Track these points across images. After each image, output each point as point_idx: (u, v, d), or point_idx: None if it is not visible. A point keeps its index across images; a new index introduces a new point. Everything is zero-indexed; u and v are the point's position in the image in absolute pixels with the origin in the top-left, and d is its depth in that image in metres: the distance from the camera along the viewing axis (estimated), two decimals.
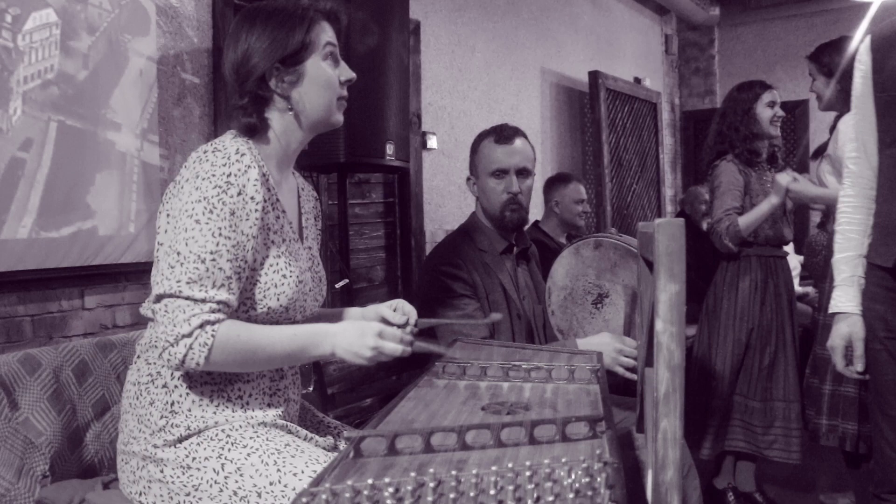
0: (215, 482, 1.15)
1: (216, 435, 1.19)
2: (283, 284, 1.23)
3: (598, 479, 0.78)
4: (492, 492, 0.75)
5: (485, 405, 1.12)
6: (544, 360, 1.34)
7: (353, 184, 3.16)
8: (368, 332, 1.21)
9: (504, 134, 2.00)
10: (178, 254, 1.14)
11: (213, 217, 1.15)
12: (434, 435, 0.91)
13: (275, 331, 1.19)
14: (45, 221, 1.91)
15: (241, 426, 1.21)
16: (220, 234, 1.15)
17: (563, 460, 0.80)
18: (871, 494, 1.61)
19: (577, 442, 0.93)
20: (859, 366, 1.59)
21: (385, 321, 1.33)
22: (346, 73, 1.29)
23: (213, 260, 1.14)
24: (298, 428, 1.28)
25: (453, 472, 0.78)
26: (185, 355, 1.11)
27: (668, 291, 0.89)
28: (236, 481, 1.14)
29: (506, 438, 0.92)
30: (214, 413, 1.21)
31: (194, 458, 1.17)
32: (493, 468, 0.78)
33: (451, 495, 0.74)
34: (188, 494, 1.16)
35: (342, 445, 1.33)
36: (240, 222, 1.17)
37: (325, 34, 1.26)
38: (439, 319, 1.50)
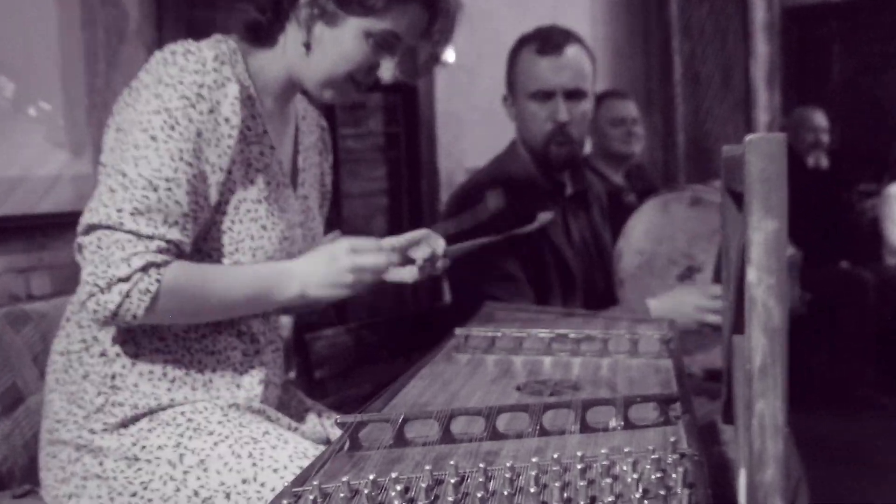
0: (171, 478, 1.16)
1: (173, 418, 1.20)
2: (261, 238, 1.24)
3: (674, 476, 0.77)
4: (532, 489, 0.74)
5: (521, 384, 1.11)
6: (599, 329, 1.33)
7: (344, 108, 3.13)
8: (339, 252, 1.23)
9: (550, 41, 1.96)
10: (124, 175, 1.14)
11: (175, 136, 1.15)
12: (455, 420, 0.90)
13: (231, 272, 1.22)
14: None
15: (206, 407, 1.21)
16: (181, 159, 1.15)
17: (627, 450, 0.78)
18: None
19: (645, 429, 0.91)
20: None
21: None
22: (381, 72, 1.28)
23: (169, 189, 1.14)
24: (280, 415, 1.28)
25: (481, 465, 0.77)
26: (120, 305, 1.12)
27: (764, 230, 0.86)
28: (198, 478, 1.14)
29: (550, 424, 0.91)
30: (169, 389, 1.22)
31: (144, 448, 1.18)
32: (534, 460, 0.77)
33: (479, 494, 0.73)
34: (134, 495, 1.17)
35: (336, 435, 1.34)
36: (207, 148, 1.18)
37: (402, 20, 1.24)
38: (473, 242, 1.49)
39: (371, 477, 0.75)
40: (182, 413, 1.21)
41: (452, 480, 0.74)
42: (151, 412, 1.21)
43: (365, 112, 3.25)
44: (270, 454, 1.15)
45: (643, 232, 1.90)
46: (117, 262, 1.11)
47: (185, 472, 1.15)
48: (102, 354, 1.23)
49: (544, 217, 1.48)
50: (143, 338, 1.23)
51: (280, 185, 1.29)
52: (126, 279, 1.11)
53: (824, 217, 3.91)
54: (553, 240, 1.95)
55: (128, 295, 1.11)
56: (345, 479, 0.75)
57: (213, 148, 1.18)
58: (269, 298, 1.24)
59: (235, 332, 1.27)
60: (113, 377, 1.22)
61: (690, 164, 4.69)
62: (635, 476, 0.75)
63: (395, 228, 3.43)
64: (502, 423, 0.91)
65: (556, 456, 0.77)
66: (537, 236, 1.92)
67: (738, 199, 1.04)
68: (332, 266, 1.23)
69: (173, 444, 1.17)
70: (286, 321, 2.55)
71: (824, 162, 4.44)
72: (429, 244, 1.34)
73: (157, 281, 1.13)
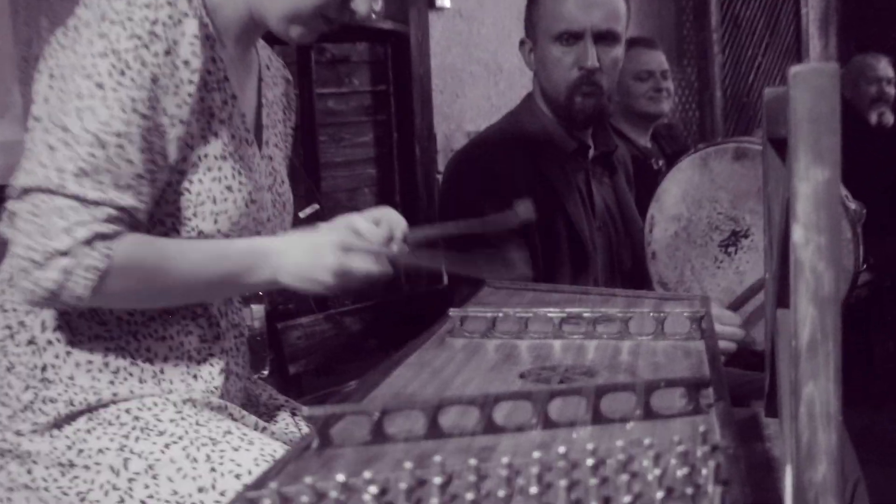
0: (113, 488, 1.14)
1: (117, 416, 1.19)
2: (225, 201, 1.22)
3: (704, 472, 0.74)
4: (533, 489, 0.71)
5: (525, 371, 1.09)
6: (619, 308, 1.30)
7: (322, 63, 3.11)
8: (327, 246, 1.21)
9: None
10: (66, 130, 1.12)
11: (125, 82, 1.13)
12: (444, 411, 0.88)
13: (196, 248, 1.19)
14: None
15: (156, 403, 1.20)
16: (134, 110, 1.13)
17: (647, 443, 0.76)
18: None
19: (670, 419, 0.89)
20: None
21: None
22: (354, 5, 1.27)
23: (120, 146, 1.12)
24: (245, 413, 1.27)
25: (472, 462, 0.74)
26: (60, 284, 1.09)
27: (813, 179, 0.84)
28: (146, 486, 1.13)
29: (557, 415, 0.89)
30: (112, 382, 1.20)
31: (81, 452, 1.17)
32: (536, 455, 0.74)
33: (469, 496, 0.71)
34: None
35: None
36: (164, 96, 1.16)
37: None
38: (442, 229, 1.47)
39: (340, 478, 0.72)
40: (127, 410, 1.19)
41: (437, 481, 0.72)
42: (90, 409, 1.19)
43: (348, 67, 3.22)
44: (232, 457, 1.13)
45: (679, 195, 1.87)
46: (57, 232, 1.09)
47: (131, 480, 1.14)
48: (30, 343, 1.21)
49: (525, 210, 1.44)
50: (79, 322, 1.20)
51: (243, 141, 1.27)
52: (67, 253, 1.09)
53: (888, 181, 3.87)
54: (567, 210, 1.92)
55: (69, 272, 1.09)
56: (309, 480, 0.72)
57: (171, 96, 1.16)
58: (238, 281, 1.22)
59: (190, 314, 1.26)
60: (43, 369, 1.20)
61: (730, 124, 4.66)
62: (657, 472, 0.73)
63: (385, 200, 3.41)
64: (500, 413, 0.88)
65: (562, 451, 0.75)
66: (552, 205, 1.90)
67: (782, 148, 1.01)
68: (314, 260, 1.21)
69: (116, 446, 1.16)
70: (258, 310, 2.54)
71: (889, 118, 4.40)
72: (388, 224, 1.32)
73: (107, 256, 1.10)
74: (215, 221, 1.21)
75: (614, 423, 0.88)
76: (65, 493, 1.15)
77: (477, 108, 3.59)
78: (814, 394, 0.85)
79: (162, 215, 1.20)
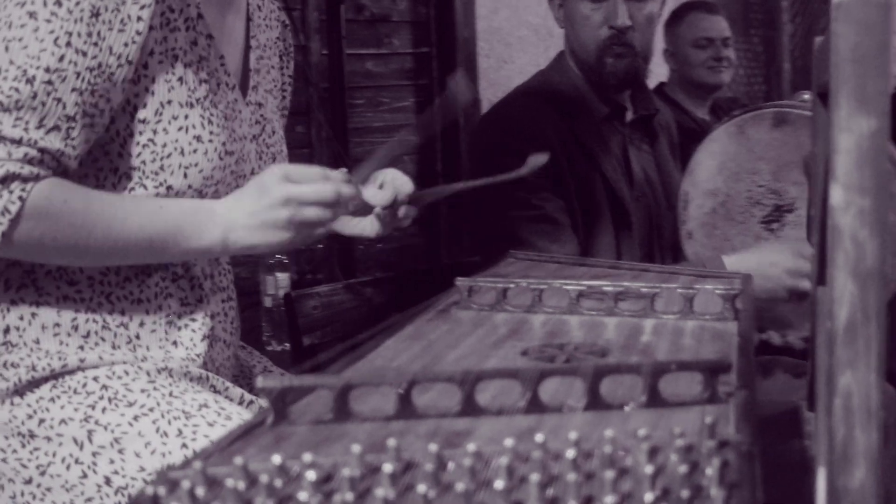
0: (76, 462, 1.08)
1: (83, 384, 1.12)
2: (195, 152, 1.14)
3: (708, 471, 0.64)
4: (500, 484, 0.61)
5: (529, 348, 0.99)
6: (647, 283, 1.20)
7: (360, 22, 3.03)
8: (269, 181, 1.11)
9: None
10: None
11: (61, 13, 1.05)
12: (420, 388, 0.78)
13: (127, 202, 1.11)
14: None
15: (126, 372, 1.13)
16: (69, 45, 1.05)
17: (642, 434, 0.66)
18: None
19: (681, 407, 0.79)
20: None
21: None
22: None
23: (49, 83, 1.05)
24: (229, 384, 1.20)
25: (433, 449, 0.65)
26: None
27: (856, 130, 0.74)
28: (111, 461, 1.07)
29: (549, 397, 0.79)
30: (81, 348, 1.14)
31: (42, 422, 1.10)
32: (510, 444, 0.64)
33: (423, 489, 0.61)
34: (29, 482, 1.09)
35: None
36: (108, 33, 1.08)
37: None
38: (446, 187, 1.39)
39: (276, 460, 0.63)
40: (95, 378, 1.12)
41: (388, 469, 0.63)
42: (55, 376, 1.13)
43: (388, 28, 3.15)
44: (206, 433, 1.07)
45: (714, 167, 1.77)
46: None
47: (95, 454, 1.07)
48: None
49: (536, 160, 1.35)
50: (46, 281, 1.14)
51: (222, 85, 1.19)
52: None
53: None
54: (607, 175, 1.83)
55: None
56: (239, 460, 0.63)
57: (115, 33, 1.08)
58: (177, 243, 1.12)
59: (170, 275, 1.19)
60: (6, 331, 1.13)
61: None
62: (650, 470, 0.63)
63: (426, 170, 3.33)
64: (485, 393, 0.79)
65: (540, 439, 0.65)
66: (587, 168, 1.82)
67: (824, 98, 0.91)
68: (259, 199, 1.11)
69: (81, 417, 1.09)
70: (283, 278, 2.47)
71: None
72: (392, 186, 1.23)
73: (20, 199, 1.03)
74: (185, 175, 1.13)
75: (613, 410, 0.78)
76: (24, 466, 1.09)
77: (525, 75, 3.45)
78: (851, 385, 0.75)
79: (127, 169, 1.12)
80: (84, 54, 1.06)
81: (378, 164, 1.27)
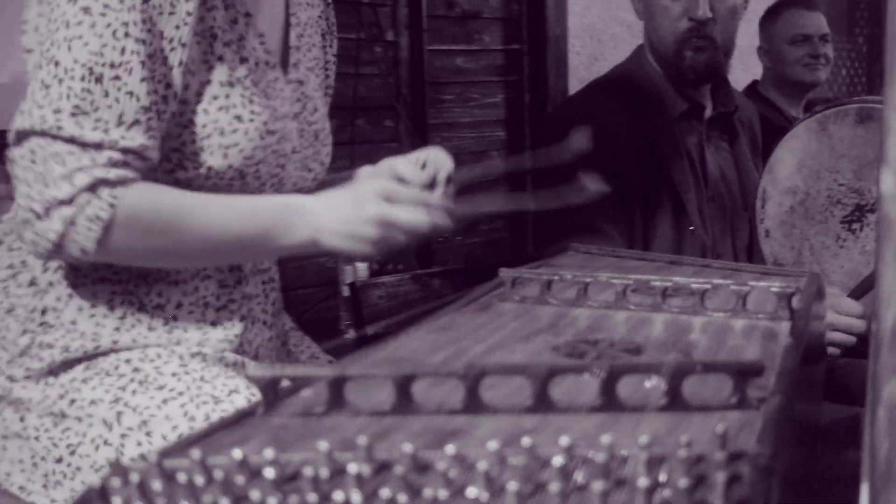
0: (105, 443, 1.03)
1: (115, 366, 1.07)
2: (235, 132, 1.09)
3: (717, 486, 0.55)
4: (472, 492, 0.53)
5: (561, 343, 0.90)
6: (699, 279, 1.10)
7: (451, 18, 2.95)
8: (367, 196, 1.06)
9: None
10: (57, 64, 1.00)
11: (114, 4, 1.00)
12: (420, 382, 0.70)
13: (219, 203, 1.06)
14: None
15: (159, 355, 1.08)
16: (128, 36, 1.00)
17: (643, 442, 0.56)
18: None
19: (705, 413, 0.69)
20: None
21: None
22: None
23: (117, 77, 1.00)
24: None
25: (407, 451, 0.57)
26: (64, 235, 0.98)
27: None
28: (139, 444, 1.02)
29: (560, 396, 0.70)
30: (117, 329, 1.09)
31: (73, 402, 1.06)
32: (493, 447, 0.56)
33: (388, 494, 0.54)
34: (59, 461, 1.05)
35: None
36: (160, 17, 1.03)
37: None
38: (487, 169, 1.32)
39: (237, 455, 0.56)
40: (127, 361, 1.07)
41: (353, 469, 0.55)
42: (88, 357, 1.08)
43: (479, 24, 3.06)
44: None
45: (794, 165, 1.63)
46: (56, 179, 0.98)
47: (123, 436, 1.02)
48: (32, 283, 1.10)
49: (592, 184, 1.24)
50: (83, 263, 1.09)
51: (261, 64, 1.13)
52: (69, 201, 0.98)
53: None
54: (672, 177, 1.71)
55: (72, 222, 0.98)
56: (197, 454, 0.56)
57: (167, 17, 1.02)
58: (271, 242, 1.08)
59: None
60: (44, 312, 1.09)
61: None
62: (647, 482, 0.54)
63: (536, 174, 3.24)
64: (489, 391, 0.70)
65: (528, 443, 0.57)
66: (654, 168, 1.70)
67: None
68: (354, 212, 1.06)
69: (111, 398, 1.04)
70: (362, 268, 2.42)
71: None
72: (434, 165, 1.17)
73: (111, 206, 0.99)
74: (225, 156, 1.07)
75: (623, 414, 0.68)
76: (55, 445, 1.05)
77: None
78: None
79: (167, 151, 1.07)
80: (143, 42, 1.01)
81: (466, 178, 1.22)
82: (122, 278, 1.10)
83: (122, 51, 1.00)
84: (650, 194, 1.71)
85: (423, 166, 1.18)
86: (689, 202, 1.72)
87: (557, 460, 0.55)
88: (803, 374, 0.94)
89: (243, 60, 1.10)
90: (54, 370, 1.08)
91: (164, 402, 1.03)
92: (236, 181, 1.10)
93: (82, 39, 0.99)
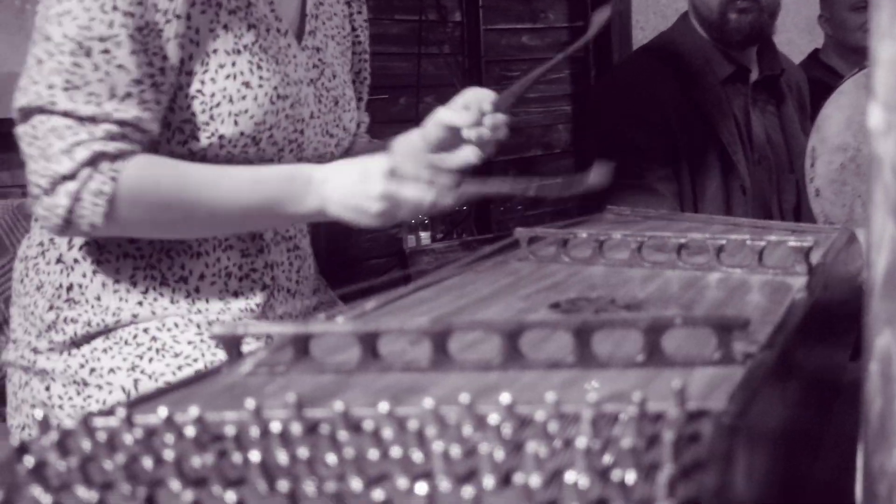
0: None
1: (134, 336, 1.03)
2: (244, 99, 1.02)
3: (666, 446, 0.46)
4: (396, 452, 0.46)
5: (562, 301, 0.82)
6: (719, 235, 1.00)
7: None
8: (374, 172, 0.99)
9: None
10: (48, 39, 0.95)
11: None
12: (386, 338, 0.64)
13: (224, 173, 1.00)
14: None
15: (176, 324, 1.03)
16: (115, 9, 0.94)
17: (591, 399, 0.48)
18: None
19: (685, 368, 0.60)
20: None
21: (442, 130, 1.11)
22: None
23: (106, 51, 0.94)
24: None
25: (338, 410, 0.50)
26: (71, 210, 0.94)
27: None
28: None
29: (530, 352, 0.62)
30: (140, 304, 1.04)
31: (93, 370, 1.02)
32: (429, 405, 0.49)
33: (306, 453, 0.47)
34: None
35: None
36: None
37: None
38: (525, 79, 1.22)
39: (164, 412, 0.51)
40: (145, 330, 1.02)
41: (279, 428, 0.48)
42: (109, 330, 1.03)
43: (544, 2, 2.95)
44: None
45: (843, 121, 1.50)
46: (57, 154, 0.93)
47: None
48: (59, 261, 1.06)
49: (595, 176, 1.12)
50: (108, 239, 1.04)
51: (272, 31, 1.06)
52: (72, 177, 0.93)
53: None
54: (722, 139, 1.60)
55: (77, 197, 0.93)
56: (122, 413, 0.51)
57: None
58: (279, 210, 1.02)
59: None
60: (69, 288, 1.05)
61: None
62: (584, 442, 0.46)
63: (580, 143, 3.13)
64: (458, 347, 0.63)
65: (466, 400, 0.49)
66: (702, 132, 1.59)
67: None
68: (361, 187, 0.99)
69: (128, 366, 1.00)
70: (425, 237, 2.35)
71: None
72: (476, 103, 1.09)
73: (112, 179, 0.94)
74: (235, 123, 1.01)
75: (589, 369, 0.60)
76: (76, 413, 1.01)
77: None
78: (891, 347, 0.55)
79: (179, 122, 1.01)
80: (132, 15, 0.95)
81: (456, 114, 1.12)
82: (144, 253, 1.06)
83: (111, 24, 0.94)
84: (699, 155, 1.61)
85: (467, 108, 1.10)
86: (739, 162, 1.62)
87: (493, 418, 0.48)
88: (819, 330, 0.84)
89: (252, 27, 1.04)
90: (77, 342, 1.04)
91: (180, 368, 0.98)
92: (251, 148, 1.04)
93: (71, 14, 0.94)
